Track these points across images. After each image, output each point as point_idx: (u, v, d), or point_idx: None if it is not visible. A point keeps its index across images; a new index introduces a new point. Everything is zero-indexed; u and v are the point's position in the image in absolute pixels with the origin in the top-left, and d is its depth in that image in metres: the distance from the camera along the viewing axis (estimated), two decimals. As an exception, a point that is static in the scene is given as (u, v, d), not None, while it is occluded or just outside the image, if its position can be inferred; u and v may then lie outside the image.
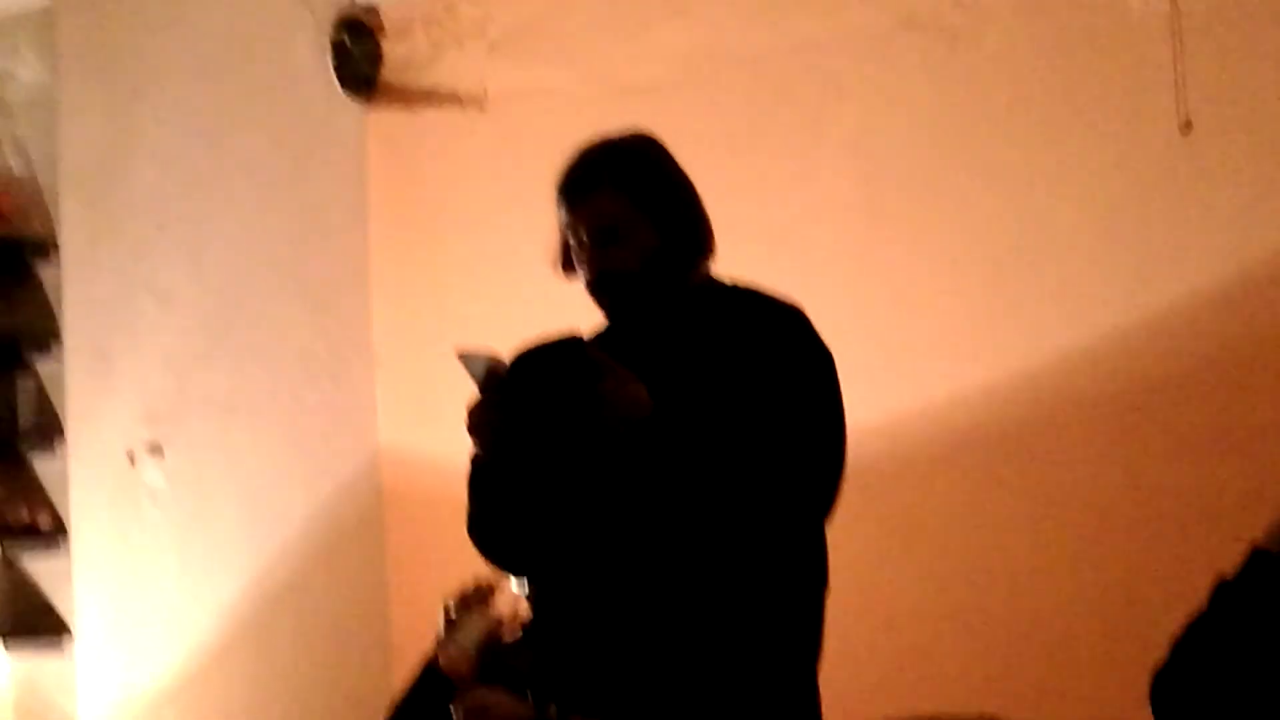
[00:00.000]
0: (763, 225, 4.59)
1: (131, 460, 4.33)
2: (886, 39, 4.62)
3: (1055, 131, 4.41)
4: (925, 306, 4.52)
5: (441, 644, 3.24)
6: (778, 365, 2.41)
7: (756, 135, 4.78)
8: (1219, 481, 4.11)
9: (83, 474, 4.19)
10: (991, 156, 4.49)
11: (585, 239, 2.48)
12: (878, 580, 4.35)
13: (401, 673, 3.48)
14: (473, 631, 3.28)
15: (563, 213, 2.52)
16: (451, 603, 3.14)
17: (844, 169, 4.66)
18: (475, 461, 2.50)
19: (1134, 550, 4.21)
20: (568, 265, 2.55)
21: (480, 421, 2.39)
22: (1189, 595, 2.15)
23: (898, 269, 4.57)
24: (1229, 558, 2.14)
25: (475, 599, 3.19)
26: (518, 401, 2.33)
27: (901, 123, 4.60)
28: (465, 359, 2.38)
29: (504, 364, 2.36)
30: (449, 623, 3.28)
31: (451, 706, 2.51)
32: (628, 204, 2.47)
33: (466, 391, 2.41)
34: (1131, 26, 4.32)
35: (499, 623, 3.17)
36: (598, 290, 2.50)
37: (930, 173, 4.55)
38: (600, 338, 2.53)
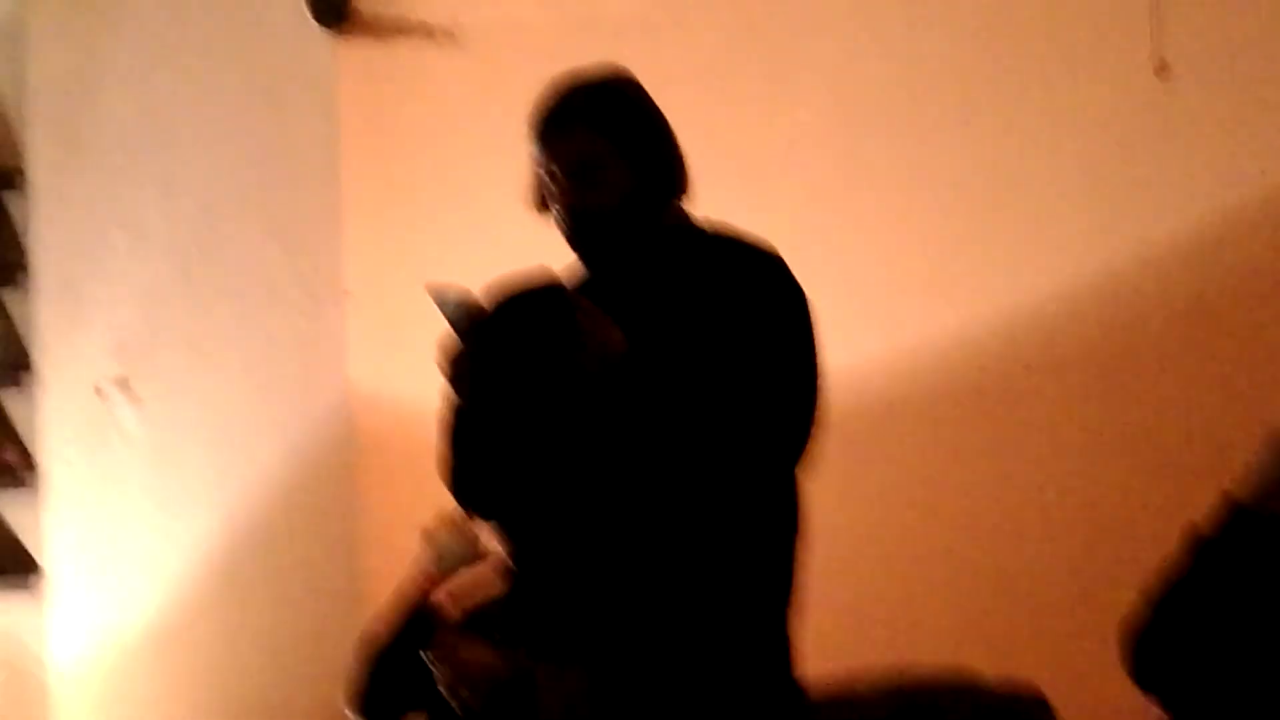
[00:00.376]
0: (737, 163, 4.56)
1: (101, 395, 4.30)
2: (863, -26, 4.59)
3: (1031, 73, 4.39)
4: (900, 248, 4.51)
5: (426, 564, 3.25)
6: (752, 307, 2.40)
7: (731, 71, 4.74)
8: (1196, 427, 4.12)
9: (53, 410, 4.17)
10: (965, 96, 4.47)
11: (560, 176, 2.46)
12: (853, 528, 4.35)
13: (372, 611, 3.48)
14: (454, 547, 3.30)
15: (537, 150, 2.50)
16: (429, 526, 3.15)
17: (818, 105, 4.63)
18: (451, 406, 2.48)
19: (1111, 496, 4.22)
20: (541, 203, 2.53)
21: (456, 365, 2.37)
22: (1165, 543, 2.15)
23: (873, 209, 4.55)
24: (1203, 508, 2.14)
25: (453, 522, 3.20)
26: (494, 344, 2.32)
27: (877, 60, 4.57)
28: (437, 295, 2.37)
29: (477, 302, 2.35)
30: (426, 539, 3.29)
31: (426, 656, 2.51)
32: (603, 142, 2.45)
33: (438, 329, 2.40)
34: (1108, -35, 4.30)
35: (479, 548, 3.19)
36: (572, 228, 2.48)
37: (904, 111, 4.53)
38: (574, 280, 2.51)
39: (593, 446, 2.39)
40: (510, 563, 2.55)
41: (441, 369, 2.38)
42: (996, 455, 4.36)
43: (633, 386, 2.30)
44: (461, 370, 2.36)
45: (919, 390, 4.43)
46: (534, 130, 2.50)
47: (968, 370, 4.39)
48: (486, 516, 2.61)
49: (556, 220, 2.49)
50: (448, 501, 2.77)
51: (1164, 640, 2.01)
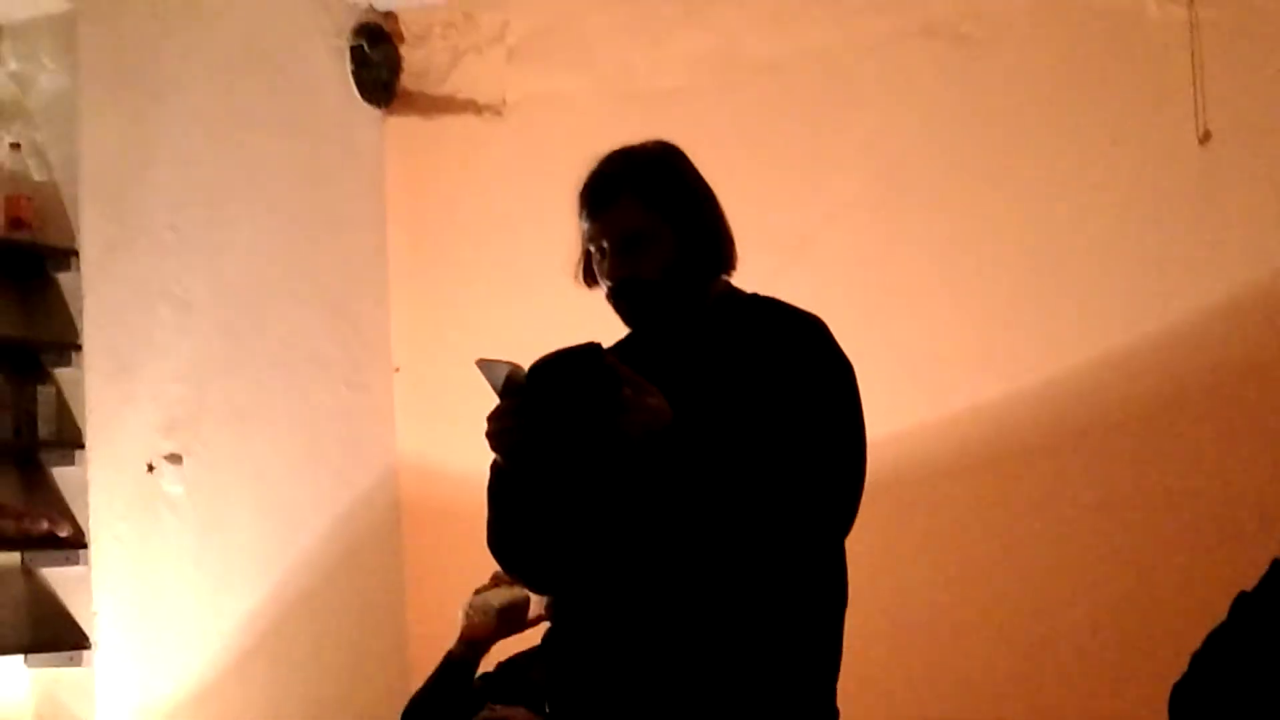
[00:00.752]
0: (779, 232, 4.59)
1: (151, 469, 4.33)
2: (903, 46, 4.62)
3: (1073, 141, 4.40)
4: (942, 315, 4.51)
5: (468, 608, 3.28)
6: (798, 376, 2.40)
7: (772, 142, 4.78)
8: (1238, 492, 4.10)
9: (102, 483, 4.19)
10: (1008, 165, 4.48)
11: (607, 248, 2.48)
12: (894, 591, 4.34)
13: (417, 680, 3.49)
14: (497, 596, 3.32)
15: (584, 222, 2.52)
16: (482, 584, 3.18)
17: (860, 176, 4.66)
18: (495, 470, 2.49)
19: (1152, 561, 4.20)
20: (589, 275, 2.55)
21: (500, 429, 2.38)
22: (1207, 608, 2.14)
23: (915, 277, 4.56)
24: (1249, 570, 2.14)
25: (503, 579, 3.23)
26: (538, 409, 2.33)
27: (917, 130, 4.60)
28: (485, 368, 2.38)
29: (524, 373, 2.36)
30: (477, 592, 3.33)
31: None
32: (649, 213, 2.46)
33: (486, 401, 2.41)
34: (1149, 36, 4.32)
35: (525, 596, 3.21)
36: (618, 298, 2.50)
37: (946, 181, 4.55)
38: (620, 348, 2.53)
39: (637, 514, 2.39)
40: (553, 627, 2.55)
41: (486, 433, 2.39)
42: (1040, 520, 4.35)
43: (678, 455, 2.31)
44: (503, 431, 2.36)
45: (962, 456, 4.43)
46: (581, 202, 2.52)
47: (1011, 436, 4.38)
48: (527, 579, 2.61)
49: (603, 291, 2.51)
50: (493, 569, 2.78)
51: (1201, 691, 2.01)
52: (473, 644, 3.34)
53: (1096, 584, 4.27)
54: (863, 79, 4.68)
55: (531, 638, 2.98)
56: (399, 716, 3.39)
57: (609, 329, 2.54)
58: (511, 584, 3.29)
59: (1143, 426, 4.26)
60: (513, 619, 3.33)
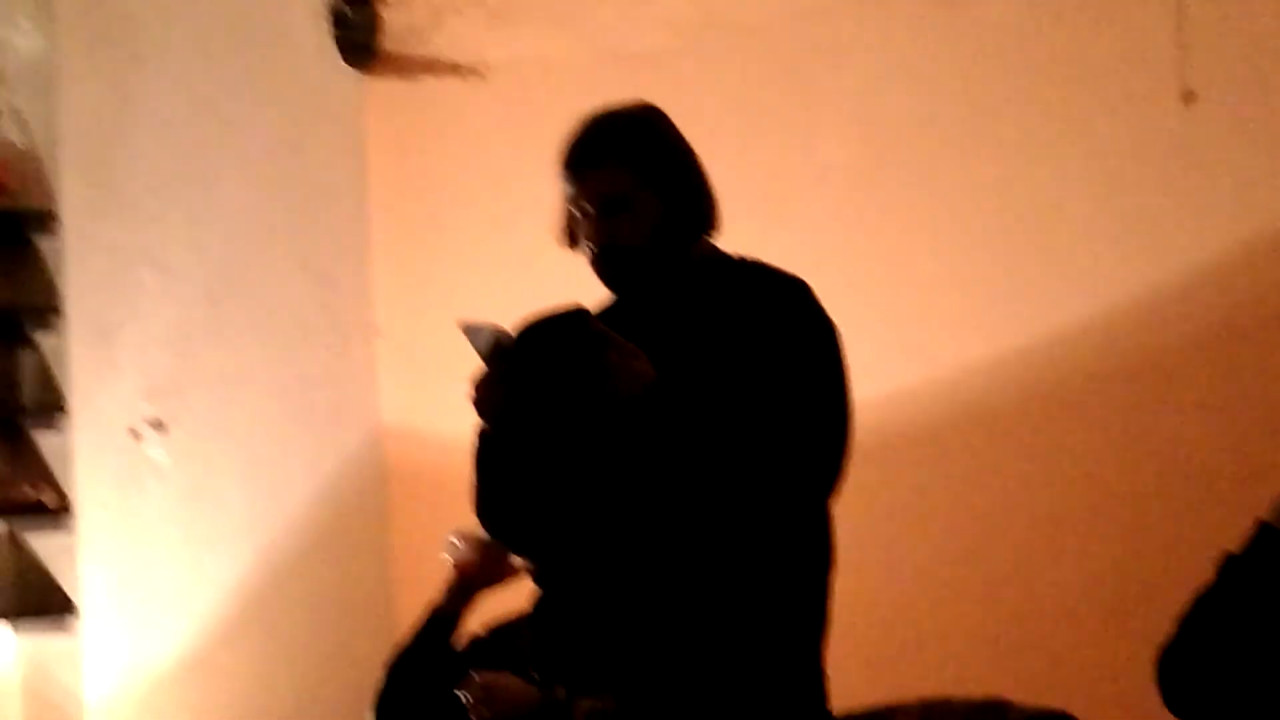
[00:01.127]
0: (763, 194, 4.58)
1: (135, 436, 4.33)
2: (886, 6, 4.60)
3: (1057, 101, 4.39)
4: (927, 278, 4.51)
5: (452, 539, 3.26)
6: (782, 338, 2.41)
7: (756, 103, 4.76)
8: (1223, 456, 4.11)
9: (86, 449, 4.18)
10: (992, 125, 4.47)
11: (590, 211, 2.47)
12: (881, 557, 4.34)
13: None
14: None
15: (566, 185, 2.51)
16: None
17: (844, 138, 4.64)
18: (480, 435, 2.49)
19: (1138, 525, 4.21)
20: (571, 238, 2.54)
21: (484, 393, 2.38)
22: (1194, 571, 2.14)
23: (899, 239, 4.56)
24: (1233, 532, 2.14)
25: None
26: (522, 372, 2.32)
27: (901, 91, 4.59)
28: (468, 331, 2.37)
29: (508, 335, 2.35)
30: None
31: (459, 690, 2.51)
32: (633, 176, 2.46)
33: (470, 365, 2.40)
34: (1133, -7, 4.31)
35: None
36: (602, 263, 2.49)
37: (931, 141, 4.54)
38: (604, 312, 2.52)
39: (620, 476, 2.39)
40: (538, 590, 2.56)
41: (470, 397, 2.38)
42: (1026, 482, 4.35)
43: (661, 416, 2.31)
44: (488, 396, 2.36)
45: (948, 418, 4.43)
46: (563, 165, 2.51)
47: (996, 397, 4.39)
48: (514, 545, 2.61)
49: (586, 254, 2.50)
50: (478, 532, 2.78)
51: (1190, 655, 2.02)
52: (459, 590, 3.31)
53: (1084, 547, 4.28)
54: (847, 40, 4.66)
55: (519, 604, 2.98)
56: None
57: (592, 291, 2.53)
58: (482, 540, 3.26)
59: (1129, 389, 4.26)
60: (499, 559, 3.28)
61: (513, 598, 3.15)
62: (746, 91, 4.77)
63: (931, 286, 4.51)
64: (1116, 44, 4.33)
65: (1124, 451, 4.26)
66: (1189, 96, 4.20)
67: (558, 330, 2.29)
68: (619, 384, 2.30)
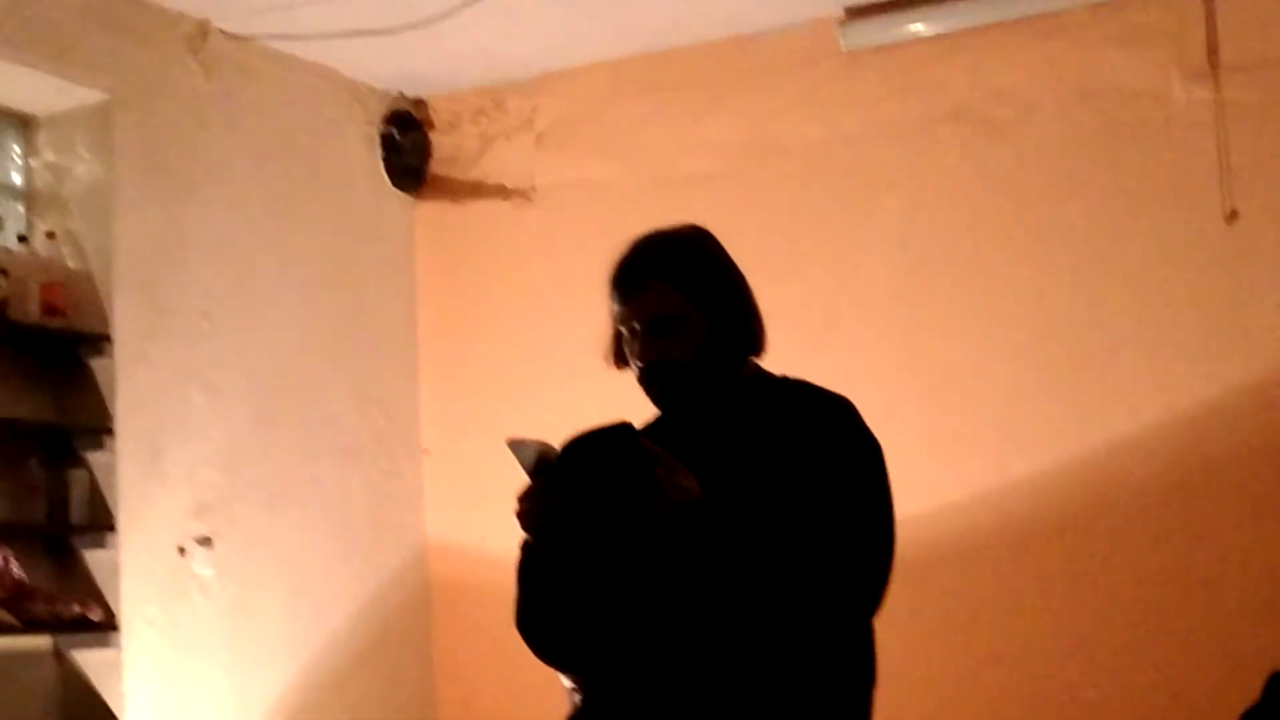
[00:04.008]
0: (808, 314, 4.61)
1: (183, 554, 4.35)
2: (929, 131, 4.65)
3: (1100, 222, 4.42)
4: (969, 396, 4.52)
5: None
6: (827, 457, 2.41)
7: (800, 226, 4.80)
8: (1266, 573, 4.08)
9: (133, 566, 4.21)
10: (1034, 246, 4.50)
11: (638, 330, 2.49)
12: (924, 670, 4.32)
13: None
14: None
15: (615, 304, 2.53)
16: None
17: (887, 259, 4.68)
18: (524, 549, 2.49)
19: (1180, 643, 4.18)
20: (619, 357, 2.56)
21: (530, 507, 2.38)
22: (1236, 687, 2.13)
23: (943, 358, 4.57)
24: (1277, 650, 2.13)
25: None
26: (567, 486, 2.33)
27: (944, 214, 4.62)
28: (516, 448, 2.38)
29: (554, 450, 2.36)
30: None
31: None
32: (681, 297, 2.47)
33: (515, 482, 2.41)
34: (1175, 116, 4.34)
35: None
36: (650, 379, 2.50)
37: (974, 263, 4.56)
38: (650, 428, 2.53)
39: (665, 592, 2.39)
40: (583, 708, 2.54)
41: (515, 510, 2.38)
42: (1067, 598, 4.33)
43: (706, 533, 2.31)
44: (532, 508, 2.36)
45: (990, 536, 4.42)
46: (613, 284, 2.53)
47: (1039, 515, 4.37)
48: (554, 660, 2.60)
49: (634, 371, 2.52)
50: (523, 657, 2.76)
51: None
52: None
53: (1125, 663, 4.24)
54: (890, 164, 4.71)
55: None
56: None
57: (637, 411, 2.55)
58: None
59: (1170, 507, 4.25)
60: None
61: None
62: (791, 213, 4.82)
63: (973, 405, 4.51)
64: (1159, 165, 4.36)
65: (1165, 569, 4.23)
66: (1232, 216, 4.22)
67: (604, 444, 2.30)
68: (665, 499, 2.30)
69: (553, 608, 2.47)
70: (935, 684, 4.36)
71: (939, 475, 4.42)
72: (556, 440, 2.35)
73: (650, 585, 2.40)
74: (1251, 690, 2.09)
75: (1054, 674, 4.32)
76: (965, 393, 4.53)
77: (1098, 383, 4.38)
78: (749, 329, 2.55)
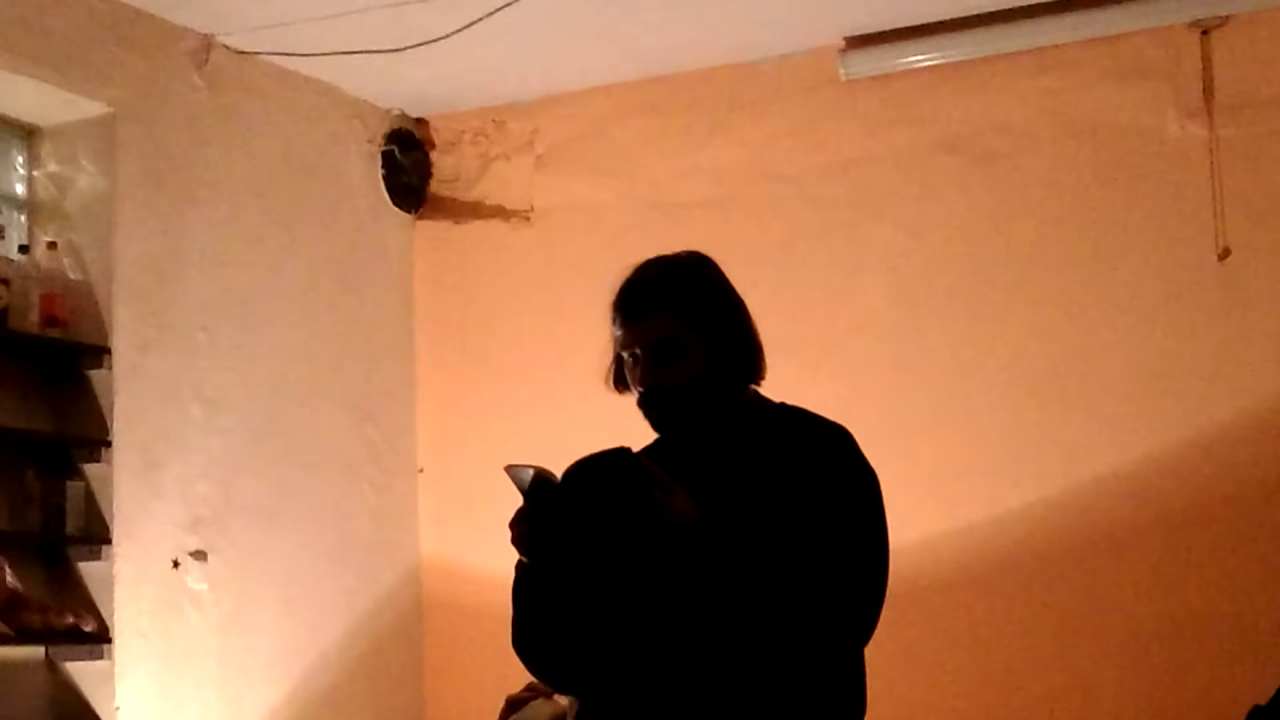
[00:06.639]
0: (803, 341, 4.63)
1: (176, 566, 4.36)
2: (926, 160, 4.68)
3: (1093, 256, 4.45)
4: (964, 426, 4.54)
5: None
6: (823, 484, 2.43)
7: (797, 252, 4.83)
8: (1256, 608, 4.10)
9: (127, 578, 4.21)
10: (1028, 277, 4.53)
11: (639, 355, 2.51)
12: (912, 701, 4.33)
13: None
14: (540, 712, 3.27)
15: (617, 330, 2.55)
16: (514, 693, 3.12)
17: (884, 288, 4.70)
18: (520, 570, 2.51)
19: (1169, 675, 4.19)
20: (619, 381, 2.58)
21: (525, 528, 2.40)
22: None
23: (936, 388, 4.59)
24: (1263, 684, 2.15)
25: (540, 688, 3.18)
26: (564, 507, 2.35)
27: (940, 243, 4.65)
28: (513, 473, 2.40)
29: (550, 475, 2.38)
30: (509, 701, 3.26)
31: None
32: (682, 325, 2.50)
33: (510, 502, 2.43)
34: (1170, 152, 4.37)
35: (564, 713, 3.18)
36: (649, 403, 2.53)
37: (969, 293, 4.59)
38: (648, 450, 2.56)
39: (661, 614, 2.41)
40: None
41: (513, 536, 2.40)
42: (1058, 629, 4.35)
43: (702, 555, 2.33)
44: (528, 530, 2.38)
45: (982, 566, 4.43)
46: (615, 310, 2.55)
47: (1032, 546, 4.39)
48: (550, 678, 2.61)
49: (634, 396, 2.54)
50: (514, 675, 2.78)
51: None
52: None
53: (1116, 694, 4.26)
54: (887, 192, 4.74)
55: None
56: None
57: (633, 434, 2.57)
58: (550, 693, 3.26)
59: (1162, 540, 4.27)
60: None
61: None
62: (786, 240, 4.84)
63: (968, 435, 4.53)
64: (1153, 200, 4.39)
65: (1157, 601, 4.25)
66: (1225, 253, 4.25)
67: (603, 466, 2.32)
68: (661, 520, 2.32)
69: (549, 628, 2.49)
70: (924, 713, 4.37)
71: (932, 505, 4.44)
72: (554, 467, 2.37)
73: (646, 606, 2.42)
74: (1237, 723, 2.12)
75: (1045, 704, 4.34)
76: (958, 423, 4.55)
77: (1089, 417, 4.40)
78: (748, 357, 2.58)
